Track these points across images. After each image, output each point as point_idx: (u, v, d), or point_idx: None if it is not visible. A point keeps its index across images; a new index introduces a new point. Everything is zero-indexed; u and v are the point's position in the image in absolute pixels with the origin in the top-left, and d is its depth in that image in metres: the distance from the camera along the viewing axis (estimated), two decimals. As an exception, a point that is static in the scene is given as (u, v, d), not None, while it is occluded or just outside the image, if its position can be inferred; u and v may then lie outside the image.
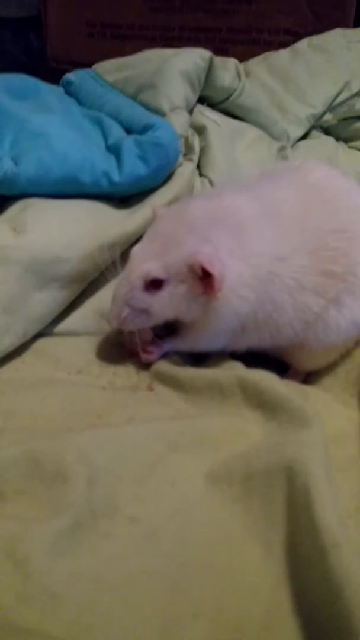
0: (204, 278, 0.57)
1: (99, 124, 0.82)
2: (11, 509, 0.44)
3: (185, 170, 0.82)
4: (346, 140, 1.16)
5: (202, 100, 0.96)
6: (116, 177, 0.74)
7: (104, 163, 0.74)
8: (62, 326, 0.71)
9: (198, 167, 0.89)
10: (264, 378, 0.59)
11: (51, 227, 0.68)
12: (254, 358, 0.67)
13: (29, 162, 0.70)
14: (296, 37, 1.24)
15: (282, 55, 1.12)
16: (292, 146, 1.04)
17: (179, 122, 0.83)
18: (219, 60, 0.92)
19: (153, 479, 0.48)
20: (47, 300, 0.67)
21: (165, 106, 0.85)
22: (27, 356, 0.67)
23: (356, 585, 0.36)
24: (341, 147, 1.13)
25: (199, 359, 0.69)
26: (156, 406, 0.60)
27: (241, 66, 1.00)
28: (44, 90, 0.88)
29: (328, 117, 1.09)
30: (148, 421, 0.56)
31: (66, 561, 0.40)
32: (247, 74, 1.04)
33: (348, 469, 0.52)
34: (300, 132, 1.05)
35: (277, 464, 0.47)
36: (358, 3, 1.31)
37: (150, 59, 0.93)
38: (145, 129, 0.78)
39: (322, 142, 1.09)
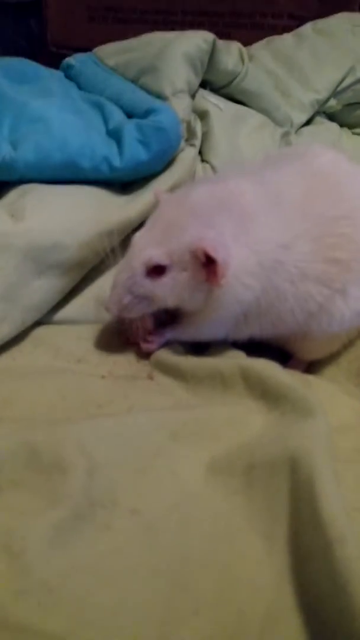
0: (207, 265, 0.56)
1: (99, 108, 0.81)
2: (8, 501, 0.43)
3: (187, 155, 0.81)
4: (350, 126, 1.14)
5: (204, 84, 0.94)
6: (117, 162, 0.73)
7: (105, 148, 0.73)
8: (61, 314, 0.70)
9: (200, 152, 0.87)
10: (267, 367, 0.58)
11: (50, 213, 0.67)
12: (256, 347, 0.66)
13: (28, 147, 0.69)
14: (300, 21, 1.22)
15: (286, 40, 1.11)
16: (296, 132, 1.02)
17: (181, 106, 0.82)
18: (222, 43, 0.91)
19: (153, 470, 0.47)
20: (46, 287, 0.66)
21: (167, 90, 0.83)
22: (26, 345, 0.66)
23: (361, 579, 0.35)
24: (345, 133, 1.12)
25: (200, 347, 0.68)
26: (157, 396, 0.59)
27: (245, 50, 0.98)
28: (43, 74, 0.87)
29: (332, 102, 1.08)
30: (148, 411, 0.55)
31: (64, 554, 0.39)
32: (251, 59, 1.03)
33: (352, 460, 0.51)
34: (304, 117, 1.04)
35: (280, 455, 0.46)
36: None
37: (152, 42, 0.92)
38: (146, 113, 0.77)
39: (326, 128, 1.08)
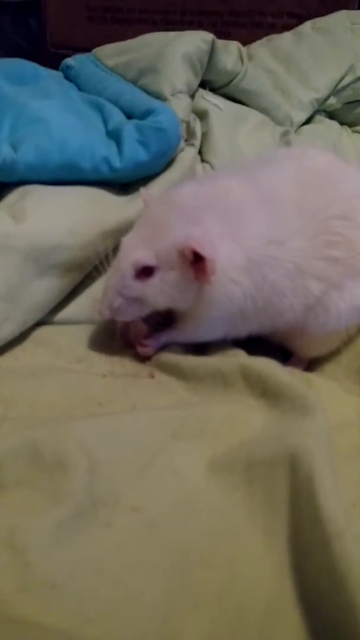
0: (196, 263, 0.57)
1: (99, 109, 0.81)
2: (11, 499, 0.44)
3: (187, 155, 0.81)
4: (350, 124, 1.14)
5: (203, 84, 0.94)
6: (116, 162, 0.73)
7: (104, 149, 0.73)
8: (63, 315, 0.71)
9: (200, 152, 0.88)
10: (267, 366, 0.58)
11: (51, 214, 0.67)
12: (256, 346, 0.67)
13: (28, 148, 0.69)
14: (300, 19, 1.22)
15: (285, 39, 1.11)
16: (296, 131, 1.02)
17: (180, 106, 0.82)
18: (221, 43, 0.91)
19: (154, 468, 0.48)
20: (47, 288, 0.66)
21: (166, 90, 0.83)
22: (28, 345, 0.66)
23: (360, 575, 0.36)
24: (345, 131, 1.11)
25: (200, 347, 0.68)
26: (158, 394, 0.59)
27: (244, 49, 0.98)
28: (43, 75, 0.87)
29: (332, 101, 1.08)
30: (149, 409, 0.56)
31: (66, 551, 0.40)
32: (250, 58, 1.03)
33: (351, 457, 0.52)
34: (303, 116, 1.04)
35: (280, 453, 0.46)
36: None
37: (151, 42, 0.92)
38: (146, 114, 0.77)
39: (326, 127, 1.08)
